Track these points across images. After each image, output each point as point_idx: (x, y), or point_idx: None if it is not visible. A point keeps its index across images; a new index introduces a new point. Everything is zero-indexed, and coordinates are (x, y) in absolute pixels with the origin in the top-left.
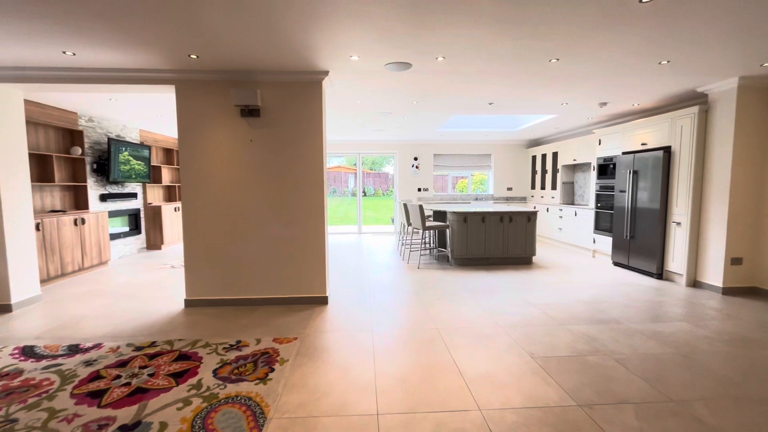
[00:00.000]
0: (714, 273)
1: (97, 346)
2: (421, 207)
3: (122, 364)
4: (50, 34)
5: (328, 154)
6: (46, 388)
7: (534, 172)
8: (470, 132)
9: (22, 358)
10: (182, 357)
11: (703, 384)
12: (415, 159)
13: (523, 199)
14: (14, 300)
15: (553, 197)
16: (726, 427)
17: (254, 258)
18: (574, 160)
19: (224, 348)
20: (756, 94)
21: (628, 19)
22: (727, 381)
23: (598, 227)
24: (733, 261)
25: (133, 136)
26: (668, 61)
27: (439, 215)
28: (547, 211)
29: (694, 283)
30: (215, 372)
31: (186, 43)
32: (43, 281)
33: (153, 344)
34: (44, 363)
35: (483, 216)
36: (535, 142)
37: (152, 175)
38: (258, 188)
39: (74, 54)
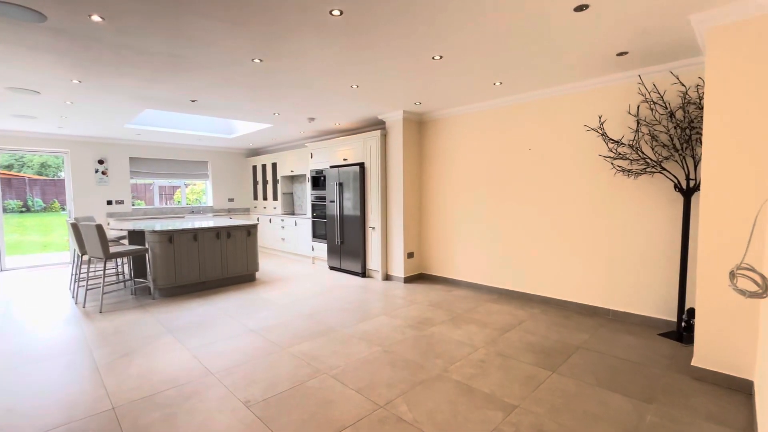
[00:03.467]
0: (397, 266)
1: None
2: (100, 227)
3: None
4: None
5: None
6: None
7: (255, 183)
8: (178, 134)
9: None
10: None
11: (401, 377)
12: (101, 162)
13: (247, 211)
14: None
15: (275, 208)
16: (421, 419)
17: None
18: (292, 171)
19: None
20: (414, 125)
21: (323, 31)
22: (416, 367)
23: (316, 235)
24: (409, 255)
25: None
26: (357, 86)
27: (137, 236)
28: (270, 222)
29: (387, 277)
30: None
31: None
32: None
33: None
34: None
35: (195, 233)
36: (255, 152)
37: None
38: None
39: None
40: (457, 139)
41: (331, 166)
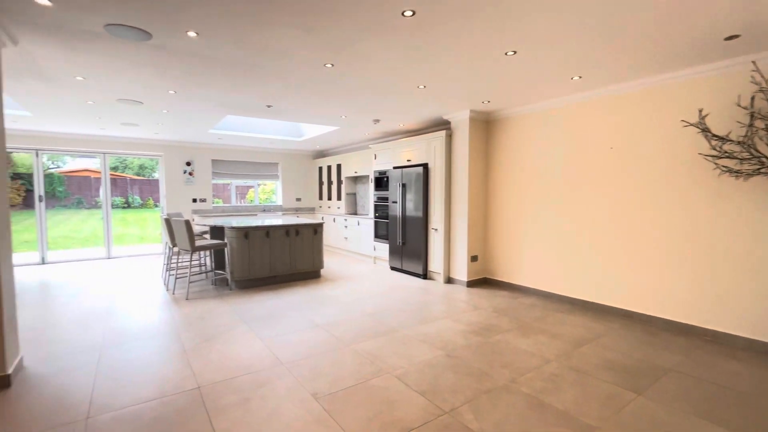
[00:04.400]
0: (460, 269)
1: None
2: (188, 223)
3: None
4: None
5: (62, 152)
6: None
7: (321, 183)
8: (254, 137)
9: None
10: None
11: (466, 384)
12: (188, 164)
13: (312, 210)
14: None
15: (339, 207)
16: (488, 430)
17: None
18: (356, 172)
19: None
20: (480, 125)
21: (393, 32)
22: (481, 375)
23: (378, 235)
24: (472, 259)
25: None
26: (424, 86)
27: (218, 231)
28: (334, 221)
29: (449, 280)
30: None
31: None
32: None
33: None
34: None
35: (267, 230)
36: (321, 153)
37: None
38: None
39: None
40: (526, 138)
41: (395, 167)
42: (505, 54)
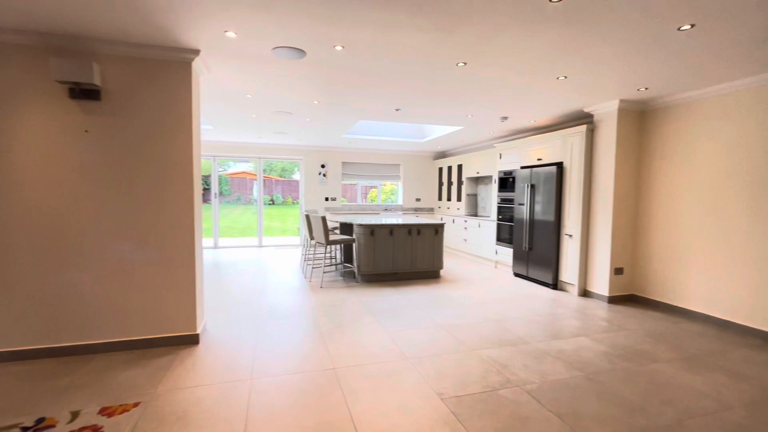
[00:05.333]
0: (600, 282)
1: None
2: (324, 219)
3: None
4: None
5: (228, 157)
6: None
7: (441, 184)
8: (379, 140)
9: None
10: None
11: (613, 414)
12: (323, 166)
13: (431, 211)
14: None
15: (458, 209)
16: None
17: (92, 288)
18: (477, 173)
19: None
20: (632, 116)
21: (536, 22)
22: (634, 408)
23: (500, 239)
24: (616, 271)
25: None
26: (565, 77)
27: (347, 227)
28: (453, 222)
29: (585, 293)
30: None
31: None
32: None
33: None
34: None
35: (391, 229)
36: (442, 154)
37: None
38: (98, 194)
39: None
40: (697, 128)
41: (522, 167)
42: (678, 29)
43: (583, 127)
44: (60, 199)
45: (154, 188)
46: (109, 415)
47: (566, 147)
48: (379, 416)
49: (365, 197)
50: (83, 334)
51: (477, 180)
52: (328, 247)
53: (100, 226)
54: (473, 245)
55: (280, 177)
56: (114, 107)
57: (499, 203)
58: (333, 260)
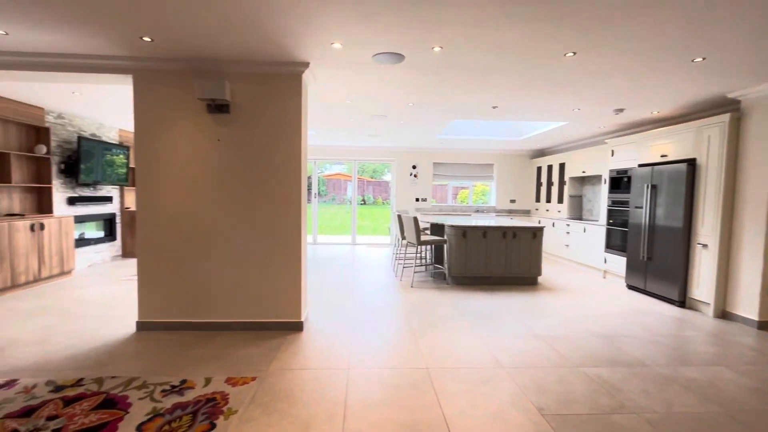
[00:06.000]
0: (747, 304)
1: (11, 383)
2: (416, 219)
3: (28, 411)
4: None
5: (325, 160)
6: None
7: (539, 184)
8: (471, 140)
9: None
10: (107, 403)
11: None
12: (414, 167)
13: (527, 212)
14: None
15: (559, 211)
16: None
17: (219, 275)
18: (583, 172)
19: (163, 391)
20: None
21: None
22: None
23: (610, 245)
24: None
25: (110, 136)
26: (703, 58)
27: (437, 228)
28: (553, 226)
29: (723, 314)
30: (140, 428)
31: (132, 21)
32: None
33: (79, 382)
34: None
35: (484, 231)
36: (540, 153)
37: (131, 178)
38: (226, 194)
39: (6, 33)
40: None
41: (641, 165)
42: None
43: (725, 117)
44: (196, 198)
45: (269, 189)
46: (233, 384)
47: (700, 141)
48: (473, 422)
49: (455, 198)
50: (213, 313)
51: (582, 180)
52: (419, 247)
53: (225, 221)
54: (576, 251)
55: (372, 178)
56: (239, 118)
57: (609, 206)
58: (423, 260)
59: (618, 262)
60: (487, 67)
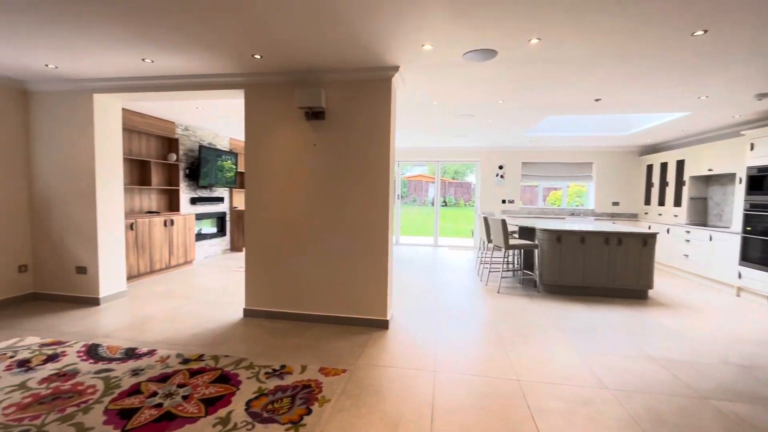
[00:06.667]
0: None
1: (151, 352)
2: (504, 222)
3: (164, 378)
4: (126, 40)
5: (407, 162)
6: (87, 397)
7: (649, 185)
8: (567, 137)
9: (84, 358)
10: (222, 378)
11: None
12: (500, 168)
13: (633, 216)
14: (102, 294)
15: (675, 216)
16: None
17: (312, 270)
18: (710, 170)
19: (266, 373)
20: None
21: None
22: None
23: (747, 258)
24: None
25: (223, 144)
26: None
27: (526, 232)
28: (668, 232)
29: None
30: (248, 404)
31: (247, 42)
32: (133, 277)
33: (200, 358)
34: (99, 366)
35: (582, 236)
36: (652, 149)
37: (238, 181)
38: (320, 196)
39: (152, 61)
40: None
41: None
42: None
43: None
44: (296, 199)
45: (359, 190)
46: (326, 374)
47: None
48: None
49: (545, 200)
50: (306, 305)
51: (707, 179)
52: (506, 251)
53: (319, 220)
54: (699, 263)
55: (453, 179)
56: (333, 124)
57: (747, 210)
58: (510, 265)
59: (758, 278)
60: (591, 56)
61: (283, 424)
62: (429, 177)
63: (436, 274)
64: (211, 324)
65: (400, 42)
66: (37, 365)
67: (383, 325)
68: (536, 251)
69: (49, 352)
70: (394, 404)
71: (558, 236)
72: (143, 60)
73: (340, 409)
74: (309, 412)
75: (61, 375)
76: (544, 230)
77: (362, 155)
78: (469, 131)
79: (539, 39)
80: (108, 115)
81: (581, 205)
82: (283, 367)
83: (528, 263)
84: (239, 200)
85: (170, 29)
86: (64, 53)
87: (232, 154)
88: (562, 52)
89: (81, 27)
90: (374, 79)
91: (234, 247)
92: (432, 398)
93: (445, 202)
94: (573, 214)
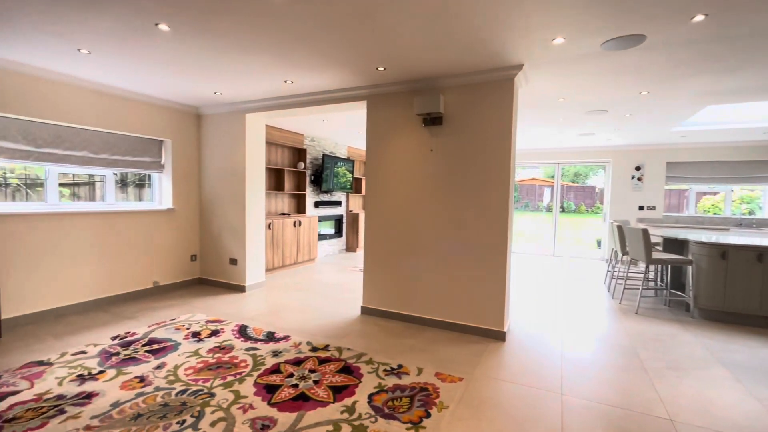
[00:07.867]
0: None
1: (286, 338)
2: (645, 231)
3: (298, 362)
4: (274, 65)
5: (520, 165)
6: (241, 369)
7: None
8: (731, 129)
9: (237, 336)
10: (346, 369)
11: None
12: (638, 169)
13: None
14: (248, 283)
15: None
16: None
17: (428, 274)
18: None
19: (385, 370)
20: None
21: None
22: None
23: None
24: None
25: (342, 152)
26: None
27: (673, 244)
28: None
29: None
30: (370, 398)
31: (375, 54)
32: (269, 270)
33: (326, 348)
34: (248, 344)
35: (761, 252)
36: None
37: (354, 186)
38: (436, 200)
39: (292, 82)
40: None
41: None
42: None
43: None
44: (411, 203)
45: (477, 195)
46: (442, 380)
47: None
48: None
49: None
50: (419, 308)
51: None
52: (648, 266)
53: (434, 225)
54: None
55: (573, 182)
56: (451, 129)
57: None
58: (652, 283)
59: None
60: None
61: (404, 422)
62: (543, 180)
63: (557, 287)
64: (333, 317)
65: (526, 39)
66: (205, 337)
67: (500, 336)
68: (689, 268)
69: (213, 328)
70: (516, 423)
71: (722, 251)
72: (285, 82)
73: (460, 418)
74: (428, 415)
75: (222, 348)
76: (703, 243)
77: (481, 159)
78: (599, 128)
79: (706, 15)
80: (255, 131)
81: (751, 214)
82: (400, 366)
83: (676, 282)
84: (354, 204)
85: (309, 52)
86: (227, 82)
87: (349, 161)
88: (734, 28)
89: (244, 57)
90: (494, 80)
91: (349, 248)
92: (561, 424)
93: (562, 207)
94: (741, 224)
